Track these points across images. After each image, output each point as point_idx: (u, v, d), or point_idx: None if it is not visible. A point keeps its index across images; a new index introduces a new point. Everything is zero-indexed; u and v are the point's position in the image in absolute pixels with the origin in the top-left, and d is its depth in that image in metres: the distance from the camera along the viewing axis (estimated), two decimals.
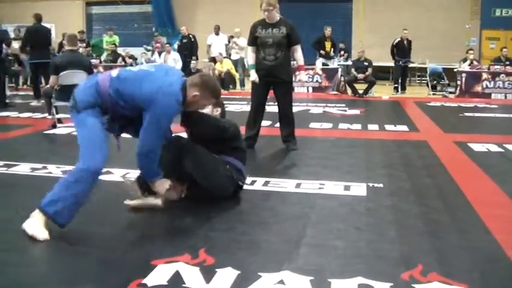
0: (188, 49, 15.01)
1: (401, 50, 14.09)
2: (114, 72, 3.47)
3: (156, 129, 3.42)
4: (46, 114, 8.27)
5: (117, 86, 3.36)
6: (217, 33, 15.16)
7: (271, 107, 6.78)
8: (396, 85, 14.11)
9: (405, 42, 14.06)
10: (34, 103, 10.70)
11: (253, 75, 5.93)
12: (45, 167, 5.00)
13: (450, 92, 13.60)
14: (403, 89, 14.12)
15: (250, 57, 6.07)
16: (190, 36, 15.27)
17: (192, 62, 14.14)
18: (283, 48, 5.85)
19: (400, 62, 14.06)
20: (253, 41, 5.97)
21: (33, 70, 10.95)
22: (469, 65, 13.64)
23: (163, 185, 3.65)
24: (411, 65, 15.69)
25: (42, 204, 3.18)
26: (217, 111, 4.14)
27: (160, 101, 3.31)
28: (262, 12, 5.87)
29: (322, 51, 14.83)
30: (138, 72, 3.53)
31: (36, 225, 3.15)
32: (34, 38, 10.55)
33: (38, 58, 10.40)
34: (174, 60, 14.58)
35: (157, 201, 3.76)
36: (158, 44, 15.87)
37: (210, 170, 3.81)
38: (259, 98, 6.07)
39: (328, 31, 14.73)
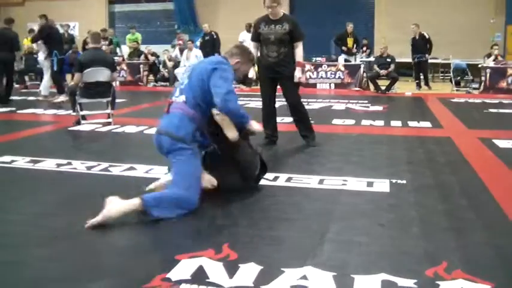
0: (210, 46, 15.05)
1: (414, 46, 13.99)
2: (181, 98, 3.78)
3: (225, 79, 3.74)
4: (70, 111, 8.37)
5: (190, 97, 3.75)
6: (248, 31, 15.16)
7: None
8: (417, 81, 14.00)
9: (417, 37, 13.89)
10: None
11: (251, 72, 5.95)
12: (70, 163, 5.06)
13: (474, 88, 13.43)
14: (426, 84, 13.99)
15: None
16: (213, 33, 15.31)
17: None
18: (286, 45, 5.82)
19: (416, 59, 13.96)
20: (257, 37, 6.00)
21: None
22: (494, 60, 13.46)
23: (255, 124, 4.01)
24: (434, 60, 15.53)
25: (147, 202, 3.41)
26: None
27: (220, 67, 3.79)
28: (265, 9, 5.86)
29: (344, 48, 14.76)
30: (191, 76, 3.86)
31: (115, 209, 3.33)
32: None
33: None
34: (196, 57, 14.63)
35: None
36: (180, 42, 15.94)
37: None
38: (267, 94, 6.08)
39: (350, 27, 14.66)
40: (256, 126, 4.05)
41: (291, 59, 5.87)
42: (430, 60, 15.96)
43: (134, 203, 3.40)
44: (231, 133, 3.83)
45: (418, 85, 13.89)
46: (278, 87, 6.06)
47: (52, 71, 11.29)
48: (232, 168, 4.01)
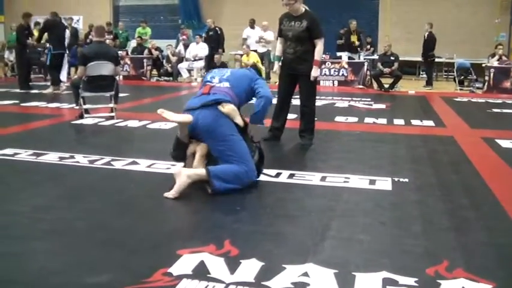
0: (215, 41, 15.05)
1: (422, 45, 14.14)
2: (225, 84, 4.26)
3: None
4: (73, 105, 8.38)
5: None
6: (252, 27, 15.18)
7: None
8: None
9: (425, 37, 14.01)
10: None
11: (275, 66, 6.14)
12: (72, 156, 5.07)
13: (478, 88, 13.40)
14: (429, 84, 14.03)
15: (277, 49, 6.15)
16: (217, 28, 15.30)
17: (216, 56, 14.13)
18: (304, 42, 5.79)
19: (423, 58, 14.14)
20: (280, 32, 6.04)
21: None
22: (498, 60, 13.42)
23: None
24: (438, 59, 15.55)
25: (213, 174, 3.84)
26: None
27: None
28: (284, 6, 5.87)
29: (340, 42, 14.83)
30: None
31: (184, 180, 3.81)
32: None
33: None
34: (201, 48, 14.65)
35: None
36: (184, 36, 15.93)
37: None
38: (284, 90, 6.10)
39: (353, 24, 14.62)
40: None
41: (309, 57, 5.80)
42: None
43: (201, 173, 3.87)
44: (239, 120, 4.11)
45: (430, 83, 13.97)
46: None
47: (46, 64, 11.77)
48: None
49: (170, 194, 3.78)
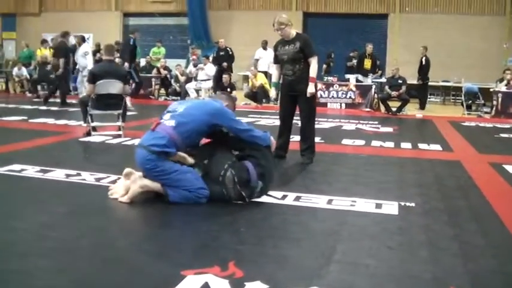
0: (226, 61, 15.14)
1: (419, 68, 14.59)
2: (170, 123, 4.22)
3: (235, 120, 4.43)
4: (81, 122, 8.41)
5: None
6: (264, 48, 15.35)
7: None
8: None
9: (423, 61, 14.45)
10: None
11: (272, 92, 6.48)
12: (79, 174, 5.08)
13: (485, 112, 13.38)
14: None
15: (273, 75, 6.44)
16: (228, 49, 15.38)
17: (224, 76, 14.19)
18: (300, 63, 6.00)
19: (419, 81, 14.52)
20: (275, 59, 6.30)
21: None
22: (506, 85, 13.42)
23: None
24: (445, 84, 15.64)
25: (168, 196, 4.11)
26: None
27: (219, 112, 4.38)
28: (276, 32, 6.08)
29: (349, 64, 14.99)
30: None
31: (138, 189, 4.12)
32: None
33: None
34: (209, 69, 14.68)
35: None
36: (194, 56, 16.02)
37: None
38: (285, 110, 6.27)
39: (369, 48, 14.68)
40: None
41: (308, 76, 6.00)
42: (441, 83, 16.13)
43: (155, 186, 4.12)
44: (190, 161, 4.26)
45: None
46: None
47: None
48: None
49: (124, 199, 4.13)
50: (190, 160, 4.24)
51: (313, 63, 6.02)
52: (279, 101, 6.42)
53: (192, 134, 4.25)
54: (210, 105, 4.46)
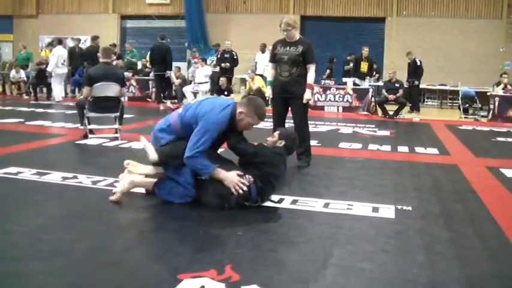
0: (230, 64, 15.06)
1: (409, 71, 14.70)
2: (179, 110, 4.39)
3: (202, 135, 4.05)
4: (78, 125, 8.40)
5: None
6: (263, 51, 15.32)
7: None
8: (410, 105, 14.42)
9: (411, 63, 14.55)
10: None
11: (269, 91, 6.32)
12: (75, 177, 5.06)
13: (482, 116, 13.41)
14: (416, 109, 14.36)
15: (269, 74, 6.40)
16: (234, 52, 15.19)
17: (221, 79, 14.18)
18: (299, 66, 6.02)
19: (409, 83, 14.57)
20: (273, 58, 6.26)
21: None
22: (503, 89, 13.45)
23: (232, 174, 4.10)
24: (442, 87, 15.67)
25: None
26: (280, 144, 4.48)
27: (204, 119, 4.09)
28: (281, 32, 6.08)
29: (352, 71, 14.95)
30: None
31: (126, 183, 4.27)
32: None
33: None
34: (204, 77, 14.67)
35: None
36: (196, 59, 16.00)
37: None
38: (277, 113, 6.24)
39: (365, 51, 14.73)
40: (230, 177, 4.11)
41: (303, 80, 6.02)
42: (438, 87, 16.16)
43: (146, 183, 4.32)
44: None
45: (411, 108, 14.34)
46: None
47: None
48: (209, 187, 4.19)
49: (113, 198, 4.21)
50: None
51: (312, 69, 6.06)
52: (270, 104, 6.35)
53: (189, 126, 4.18)
54: (209, 106, 4.21)
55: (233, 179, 4.07)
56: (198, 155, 4.05)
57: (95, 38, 13.91)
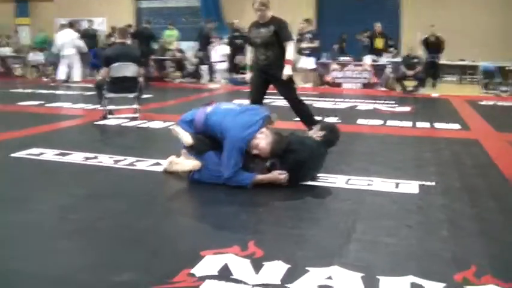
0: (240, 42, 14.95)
1: (429, 46, 14.20)
2: (208, 109, 4.36)
3: (228, 156, 3.99)
4: (97, 106, 8.44)
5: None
6: None
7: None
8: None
9: (433, 38, 14.02)
10: None
11: (248, 75, 6.26)
12: (96, 157, 5.10)
13: (503, 91, 13.20)
14: (433, 85, 14.01)
15: (247, 58, 6.34)
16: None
17: (238, 57, 14.11)
18: (274, 48, 5.81)
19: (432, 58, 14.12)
20: (249, 40, 6.11)
21: None
22: None
23: (275, 175, 4.09)
24: (461, 62, 15.43)
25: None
26: (320, 135, 4.51)
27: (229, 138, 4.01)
28: (255, 12, 5.85)
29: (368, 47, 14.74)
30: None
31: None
32: None
33: None
34: (221, 56, 14.63)
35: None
36: (213, 39, 15.89)
37: None
38: (255, 94, 6.06)
39: (378, 27, 14.52)
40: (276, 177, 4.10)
41: (282, 62, 5.79)
42: (457, 62, 15.92)
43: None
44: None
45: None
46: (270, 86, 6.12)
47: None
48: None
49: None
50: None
51: (290, 47, 5.80)
52: (249, 83, 6.21)
53: (209, 128, 4.22)
54: (232, 122, 4.11)
55: (277, 178, 4.07)
56: (236, 174, 4.01)
57: (148, 22, 15.28)
